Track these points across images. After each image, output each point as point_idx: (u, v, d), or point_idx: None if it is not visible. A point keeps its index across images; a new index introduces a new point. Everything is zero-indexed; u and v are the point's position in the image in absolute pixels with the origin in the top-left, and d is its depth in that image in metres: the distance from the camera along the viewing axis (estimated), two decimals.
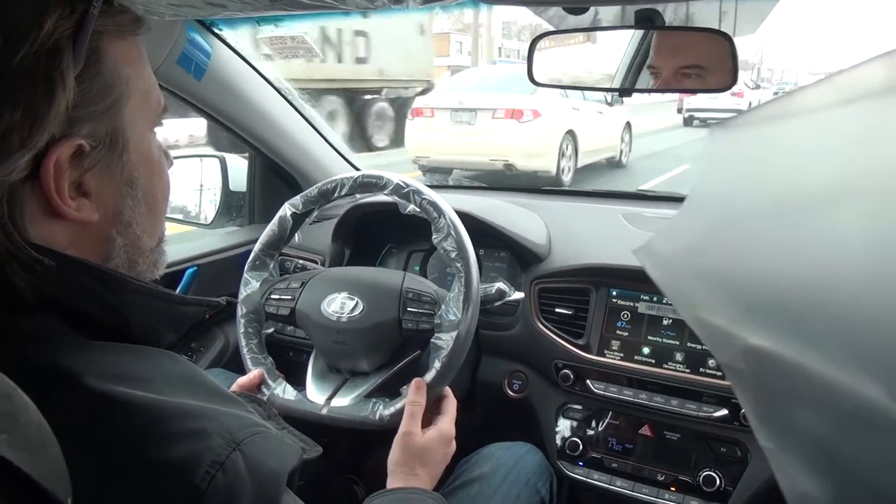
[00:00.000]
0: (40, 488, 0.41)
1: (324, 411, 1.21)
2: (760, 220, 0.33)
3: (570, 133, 8.61)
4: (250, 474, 0.55)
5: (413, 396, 1.11)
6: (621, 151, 10.26)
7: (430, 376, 1.15)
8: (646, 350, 1.39)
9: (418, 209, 1.23)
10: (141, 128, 0.63)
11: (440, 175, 8.77)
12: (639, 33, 1.30)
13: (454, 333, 1.16)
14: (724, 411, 1.31)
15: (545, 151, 8.34)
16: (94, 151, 0.57)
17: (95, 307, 0.58)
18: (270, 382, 1.26)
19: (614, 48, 1.39)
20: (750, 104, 17.42)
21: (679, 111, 18.91)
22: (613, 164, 10.22)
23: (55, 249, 0.56)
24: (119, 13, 0.60)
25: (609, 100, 9.28)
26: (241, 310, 1.32)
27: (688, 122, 18.43)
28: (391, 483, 1.01)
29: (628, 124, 10.38)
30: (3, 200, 0.53)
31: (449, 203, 1.26)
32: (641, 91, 1.29)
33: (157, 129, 0.68)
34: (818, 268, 0.29)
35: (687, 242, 0.38)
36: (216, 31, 1.47)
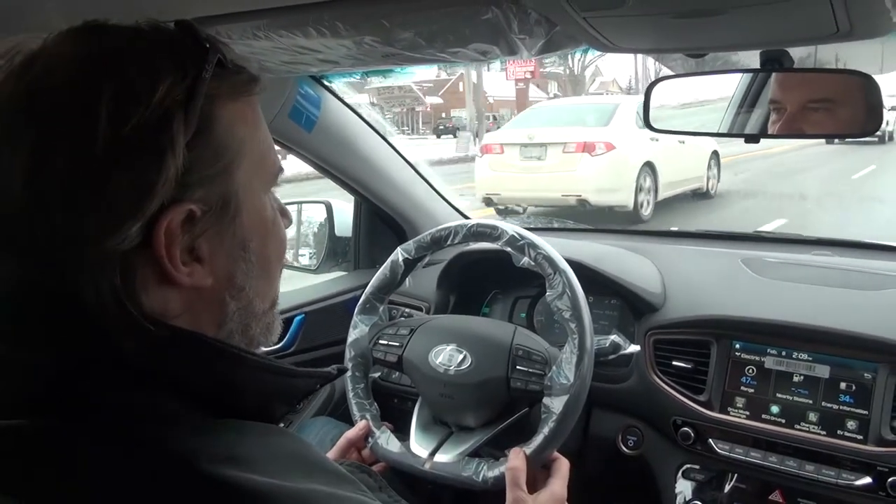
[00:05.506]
0: None
1: (426, 466, 1.20)
2: None
3: (649, 165, 8.23)
4: None
5: (512, 462, 1.08)
6: (708, 181, 9.70)
7: (537, 441, 1.12)
8: (774, 409, 1.29)
9: (533, 263, 1.20)
10: (255, 190, 0.61)
11: (513, 214, 8.54)
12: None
13: (565, 398, 1.12)
14: (868, 479, 1.19)
15: (621, 186, 8.02)
16: (206, 216, 0.56)
17: (209, 382, 0.57)
18: (375, 430, 1.26)
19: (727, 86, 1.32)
20: (887, 122, 17.10)
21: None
22: (699, 196, 9.65)
23: (170, 322, 0.55)
24: (233, 74, 0.59)
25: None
26: (349, 353, 1.33)
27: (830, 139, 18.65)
28: None
29: (715, 153, 9.76)
30: (116, 270, 0.52)
31: (558, 249, 1.23)
32: (758, 137, 1.21)
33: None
34: None
35: None
36: (325, 83, 1.50)
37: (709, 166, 9.65)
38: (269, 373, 0.62)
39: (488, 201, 8.60)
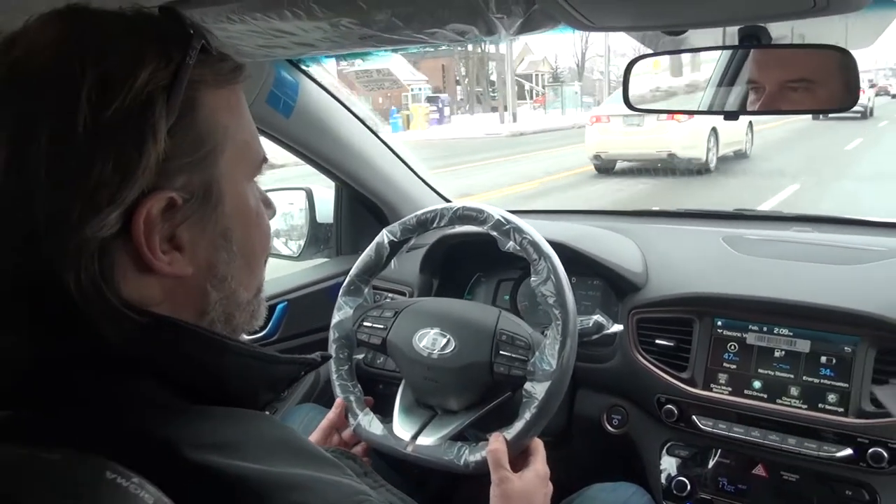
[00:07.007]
0: None
1: (409, 449, 1.19)
2: None
3: (714, 130, 11.06)
4: None
5: (493, 445, 1.08)
6: (745, 143, 12.81)
7: (518, 427, 1.11)
8: (756, 384, 1.30)
9: (518, 248, 1.20)
10: (238, 179, 0.60)
11: (606, 170, 11.93)
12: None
13: (547, 384, 1.11)
14: (849, 451, 1.20)
15: (697, 144, 10.94)
16: (188, 204, 0.55)
17: (192, 369, 0.56)
18: (358, 412, 1.25)
19: (708, 65, 1.32)
20: (869, 99, 19.89)
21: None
22: (740, 156, 12.52)
23: (150, 310, 0.54)
24: (218, 61, 0.58)
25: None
26: (332, 334, 1.32)
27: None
28: None
29: (750, 123, 12.62)
30: (95, 257, 0.51)
31: (541, 231, 1.22)
32: (740, 113, 1.21)
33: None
34: None
35: None
36: (303, 67, 1.48)
37: (746, 133, 12.76)
38: (253, 359, 0.61)
39: (597, 157, 11.87)
